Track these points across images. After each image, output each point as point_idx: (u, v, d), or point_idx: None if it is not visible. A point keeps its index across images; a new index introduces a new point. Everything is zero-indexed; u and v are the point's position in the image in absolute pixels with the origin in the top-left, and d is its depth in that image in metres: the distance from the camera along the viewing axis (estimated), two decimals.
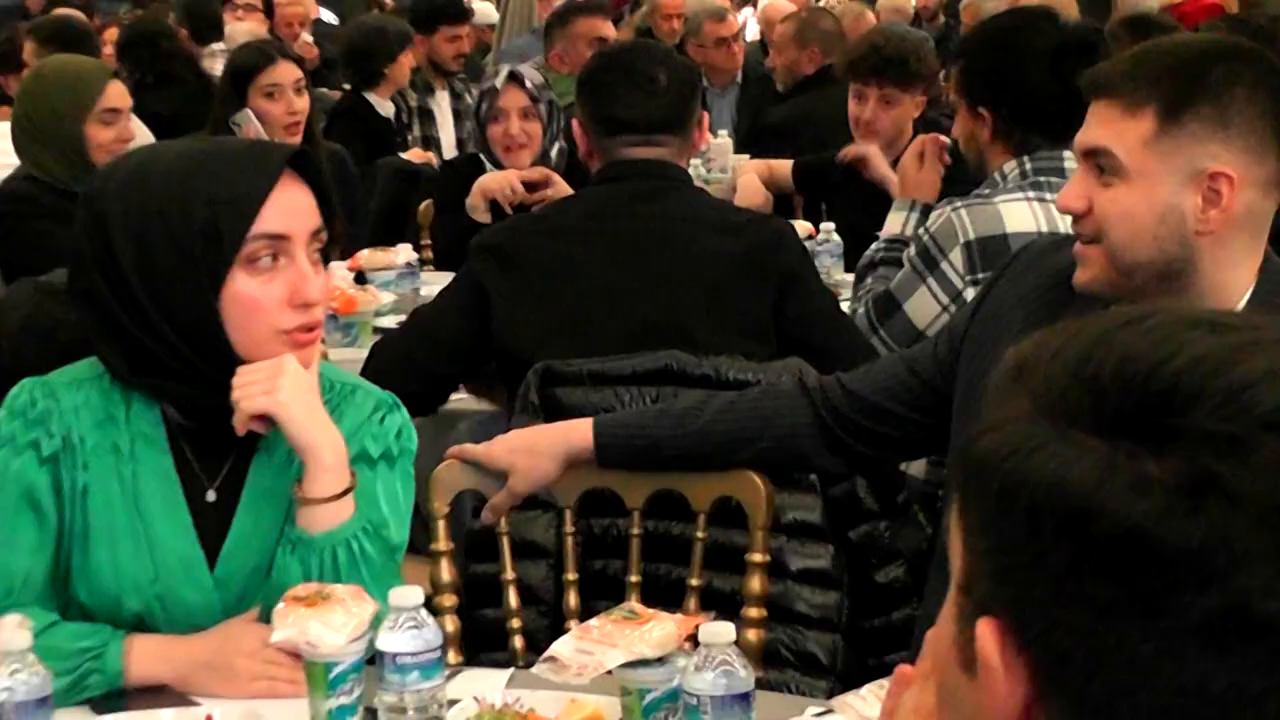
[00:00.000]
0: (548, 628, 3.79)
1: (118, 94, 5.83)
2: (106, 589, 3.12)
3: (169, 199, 3.01)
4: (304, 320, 3.04)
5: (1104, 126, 3.12)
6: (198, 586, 3.14)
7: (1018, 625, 1.24)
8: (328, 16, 15.03)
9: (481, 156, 6.52)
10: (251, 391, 2.98)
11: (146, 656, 3.06)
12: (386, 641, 2.82)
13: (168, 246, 2.99)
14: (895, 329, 4.48)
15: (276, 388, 2.99)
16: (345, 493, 3.06)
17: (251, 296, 2.99)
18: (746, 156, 8.08)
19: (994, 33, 4.86)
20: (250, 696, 2.99)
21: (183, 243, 2.98)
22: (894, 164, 6.20)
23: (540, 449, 3.57)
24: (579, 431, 3.58)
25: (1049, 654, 1.23)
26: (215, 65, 9.89)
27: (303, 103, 6.59)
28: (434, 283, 5.69)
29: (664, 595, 3.57)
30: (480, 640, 3.79)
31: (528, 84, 6.48)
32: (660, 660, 2.75)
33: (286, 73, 6.58)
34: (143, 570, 3.12)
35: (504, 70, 6.49)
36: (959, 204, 4.50)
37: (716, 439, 3.59)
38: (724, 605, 3.62)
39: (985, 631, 1.26)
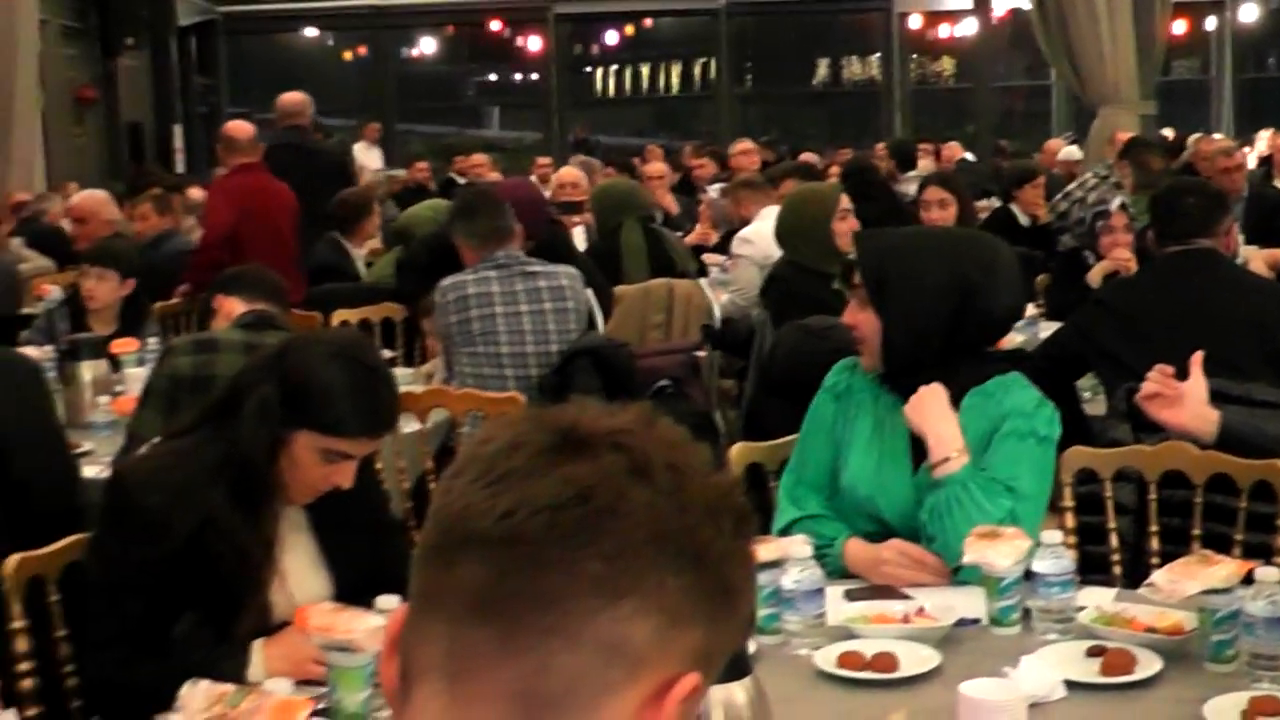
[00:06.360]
0: (1130, 561, 3.65)
1: (847, 201, 5.87)
2: (852, 481, 3.17)
3: None
4: None
5: None
6: (903, 478, 3.14)
7: None
8: (969, 156, 14.97)
9: (1085, 251, 6.37)
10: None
11: (854, 556, 3.09)
12: (1038, 565, 2.77)
13: None
14: None
15: (921, 406, 3.06)
16: (946, 460, 3.02)
17: None
18: (1255, 247, 7.76)
19: None
20: (885, 582, 3.02)
21: None
22: None
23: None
24: (1214, 413, 3.39)
25: None
26: (908, 187, 9.95)
27: (945, 214, 6.55)
28: (1047, 330, 5.62)
29: (1210, 546, 3.40)
30: (1087, 567, 3.68)
31: (1129, 210, 6.35)
32: (1225, 590, 2.60)
33: (934, 194, 6.62)
34: (870, 467, 3.16)
35: (1117, 200, 6.38)
36: None
37: None
38: (1253, 555, 3.42)
39: None
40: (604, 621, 0.97)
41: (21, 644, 2.87)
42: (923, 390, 3.07)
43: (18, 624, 2.87)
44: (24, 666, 2.87)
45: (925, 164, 12.19)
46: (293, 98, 9.08)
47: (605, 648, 0.97)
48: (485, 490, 0.99)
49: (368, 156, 16.21)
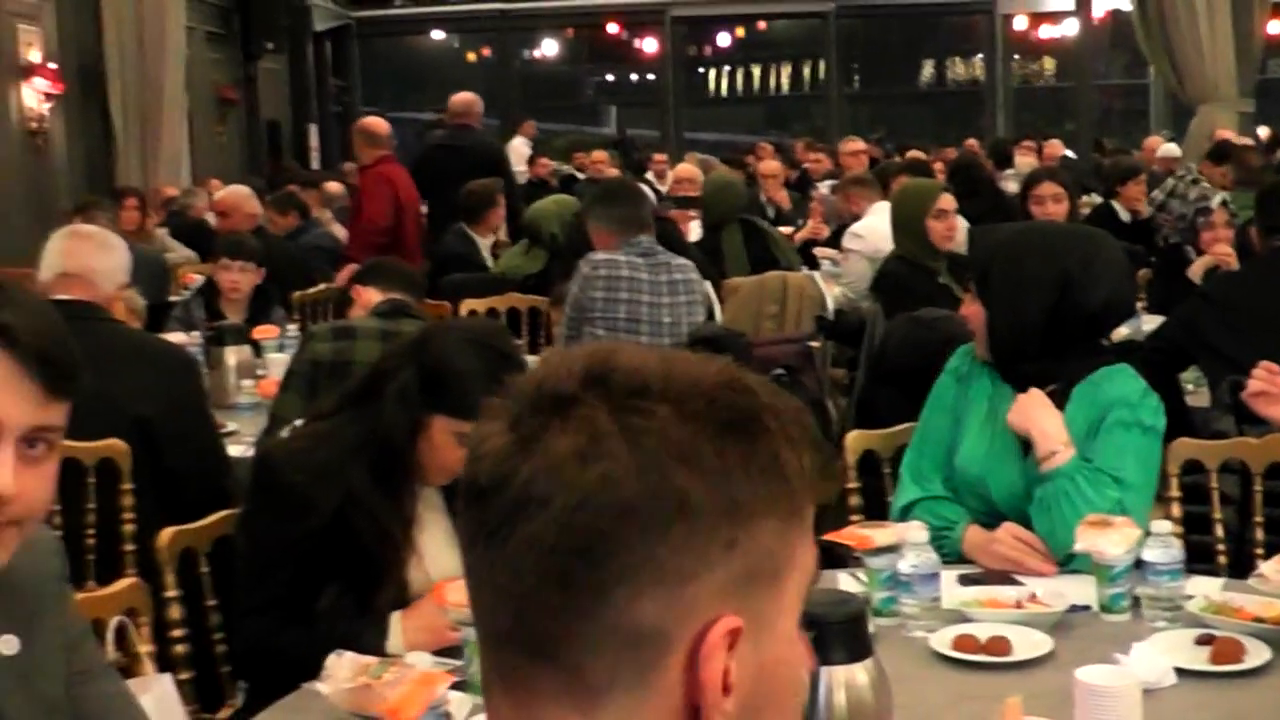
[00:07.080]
0: (1234, 550, 3.57)
1: (947, 200, 5.77)
2: (964, 462, 3.14)
3: None
4: None
5: None
6: (1012, 462, 3.09)
7: None
8: (1070, 153, 14.69)
9: (1186, 246, 6.27)
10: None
11: (970, 540, 3.06)
12: (1148, 554, 2.71)
13: None
14: None
15: (1023, 408, 3.02)
16: (1053, 454, 2.97)
17: None
18: None
19: None
20: (1000, 567, 2.97)
21: None
22: None
23: None
24: None
25: None
26: (1007, 184, 9.81)
27: (1060, 208, 6.27)
28: (1149, 323, 5.52)
29: None
30: (1191, 557, 3.59)
31: (1230, 207, 6.24)
32: None
33: (1048, 189, 6.16)
34: (982, 450, 3.12)
35: (1218, 197, 6.27)
36: None
37: None
38: None
39: None
40: (608, 618, 0.92)
41: (174, 612, 2.92)
42: (1021, 398, 3.04)
43: (171, 594, 2.92)
44: (177, 633, 2.92)
45: (1026, 160, 11.97)
46: (464, 98, 9.16)
47: (621, 640, 0.93)
48: (472, 511, 0.96)
49: (520, 152, 16.25)
